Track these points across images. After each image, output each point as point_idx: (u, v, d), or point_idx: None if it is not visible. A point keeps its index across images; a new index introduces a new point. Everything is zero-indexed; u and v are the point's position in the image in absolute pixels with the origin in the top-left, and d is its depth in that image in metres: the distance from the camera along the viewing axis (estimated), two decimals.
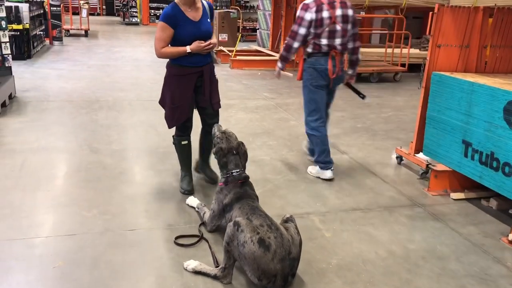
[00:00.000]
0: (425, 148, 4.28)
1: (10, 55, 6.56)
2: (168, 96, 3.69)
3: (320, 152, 4.25)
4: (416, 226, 3.46)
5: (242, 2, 18.23)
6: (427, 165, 4.28)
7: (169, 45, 3.56)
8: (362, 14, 10.91)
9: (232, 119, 6.19)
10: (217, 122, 3.84)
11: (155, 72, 9.38)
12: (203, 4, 3.60)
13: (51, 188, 3.80)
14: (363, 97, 4.99)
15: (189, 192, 3.80)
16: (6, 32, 6.43)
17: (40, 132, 5.23)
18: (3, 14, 6.33)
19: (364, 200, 3.86)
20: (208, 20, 3.61)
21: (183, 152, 3.96)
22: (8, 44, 6.49)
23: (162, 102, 3.84)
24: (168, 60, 3.69)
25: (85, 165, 4.32)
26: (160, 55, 3.59)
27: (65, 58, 10.66)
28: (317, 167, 4.30)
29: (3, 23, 6.34)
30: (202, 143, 4.10)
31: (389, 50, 10.04)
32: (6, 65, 6.53)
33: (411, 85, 9.24)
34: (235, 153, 3.14)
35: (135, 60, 10.86)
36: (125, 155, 4.64)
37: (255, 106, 6.98)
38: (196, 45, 3.48)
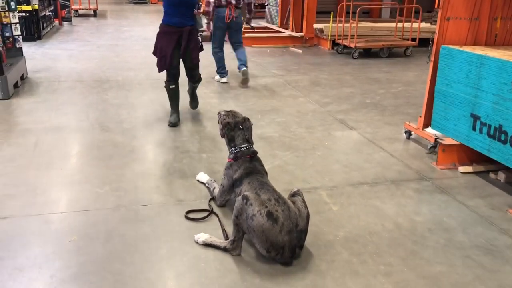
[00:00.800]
0: (434, 122, 4.28)
1: (21, 36, 6.60)
2: (157, 48, 4.85)
3: (218, 66, 6.93)
4: (423, 199, 3.50)
5: None
6: (435, 139, 4.29)
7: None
8: None
9: (241, 96, 6.21)
10: (197, 75, 5.24)
11: None
12: None
13: (64, 166, 3.89)
14: (252, 28, 7.77)
15: (174, 124, 4.93)
16: (16, 13, 6.47)
17: (52, 111, 5.31)
18: None
19: (371, 174, 3.89)
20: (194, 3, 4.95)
21: (171, 94, 5.08)
22: (18, 25, 6.54)
23: (154, 52, 4.94)
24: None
25: (97, 143, 4.41)
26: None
27: (74, 39, 10.70)
28: (217, 76, 6.94)
29: (13, 4, 6.37)
30: (189, 88, 5.46)
31: (400, 25, 9.90)
32: (17, 46, 6.59)
33: (421, 60, 9.14)
34: (241, 128, 3.19)
35: (144, 39, 10.85)
36: (136, 134, 4.71)
37: (264, 83, 6.98)
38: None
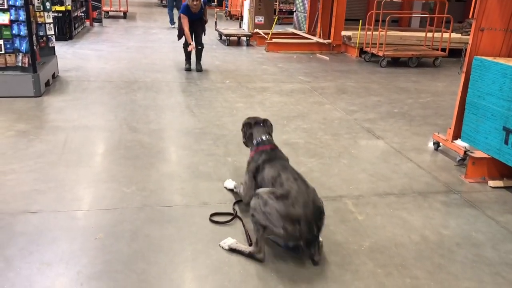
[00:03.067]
0: (464, 134, 4.19)
1: (54, 36, 6.76)
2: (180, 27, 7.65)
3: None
4: (451, 213, 3.42)
5: None
6: (465, 151, 4.20)
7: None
8: None
9: (267, 102, 6.21)
10: (201, 47, 7.93)
11: None
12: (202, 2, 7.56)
13: (92, 164, 3.96)
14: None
15: (188, 69, 7.86)
16: (50, 13, 6.63)
17: (81, 110, 5.41)
18: None
19: (398, 185, 3.83)
20: (202, 11, 7.62)
21: (187, 53, 7.88)
22: (52, 25, 6.69)
23: (179, 30, 7.73)
24: (181, 13, 7.57)
25: (124, 143, 4.46)
26: (185, 35, 7.65)
27: (104, 40, 10.90)
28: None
29: (48, 4, 6.53)
30: (196, 52, 7.95)
31: (429, 34, 9.77)
32: (50, 45, 6.75)
33: (451, 70, 9.00)
34: (261, 125, 3.29)
35: (172, 41, 10.98)
36: (163, 135, 4.75)
37: (290, 89, 6.97)
38: (191, 47, 7.72)
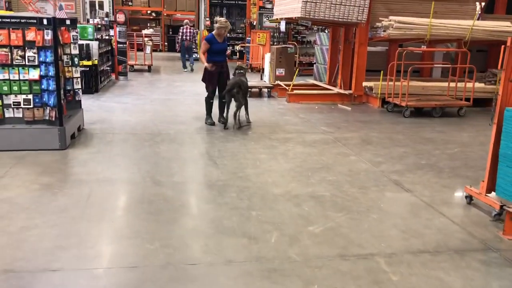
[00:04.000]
0: (499, 188, 4.01)
1: (80, 90, 6.92)
2: (206, 76, 7.60)
3: None
4: (492, 273, 3.21)
5: (299, 37, 18.47)
6: (501, 206, 4.01)
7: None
8: (423, 47, 10.69)
9: (290, 153, 6.14)
10: (224, 96, 7.54)
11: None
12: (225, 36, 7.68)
13: (115, 219, 3.89)
14: None
15: (212, 123, 7.65)
16: (78, 68, 6.82)
17: (105, 163, 5.42)
18: (77, 52, 6.73)
19: (432, 242, 3.64)
20: (226, 43, 7.81)
21: (209, 105, 7.75)
22: (79, 79, 6.87)
23: (203, 79, 7.67)
24: (204, 40, 7.60)
25: (148, 197, 4.41)
26: (200, 55, 8.11)
27: (129, 92, 11.15)
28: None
29: (76, 59, 6.73)
30: (219, 105, 7.83)
31: (452, 84, 9.70)
32: (77, 99, 6.89)
33: (477, 120, 8.85)
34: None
35: (195, 94, 11.16)
36: (186, 188, 4.69)
37: (313, 140, 6.91)
38: (209, 65, 7.40)
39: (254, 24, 19.29)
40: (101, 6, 21.56)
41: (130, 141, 6.53)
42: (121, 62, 13.72)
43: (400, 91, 9.10)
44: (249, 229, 3.73)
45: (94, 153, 5.83)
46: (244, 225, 3.83)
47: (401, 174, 5.35)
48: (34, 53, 5.69)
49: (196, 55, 18.83)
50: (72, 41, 6.61)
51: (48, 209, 4.03)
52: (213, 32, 7.56)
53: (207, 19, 22.81)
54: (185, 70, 16.54)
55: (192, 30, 16.77)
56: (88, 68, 10.41)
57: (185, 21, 17.40)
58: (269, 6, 17.95)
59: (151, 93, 11.25)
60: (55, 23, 5.65)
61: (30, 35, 5.63)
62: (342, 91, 10.69)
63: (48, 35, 5.64)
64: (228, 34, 24.89)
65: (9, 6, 17.07)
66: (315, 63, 14.65)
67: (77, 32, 6.77)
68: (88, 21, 16.85)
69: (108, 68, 12.65)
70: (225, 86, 7.53)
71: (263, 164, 5.58)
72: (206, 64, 7.37)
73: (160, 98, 10.49)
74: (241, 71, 7.95)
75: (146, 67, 16.43)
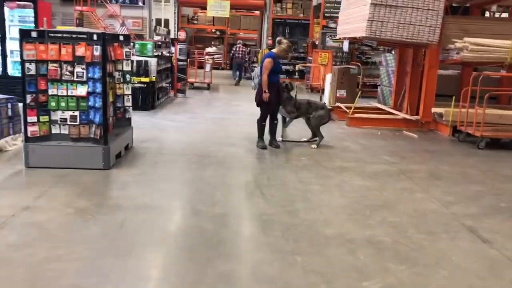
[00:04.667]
0: None
1: (131, 107, 6.72)
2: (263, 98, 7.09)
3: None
4: None
5: (363, 58, 17.77)
6: None
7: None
8: (503, 72, 9.70)
9: (346, 185, 5.53)
10: (276, 121, 7.46)
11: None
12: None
13: (144, 255, 3.49)
14: None
15: (264, 147, 7.16)
16: (130, 85, 6.64)
17: (147, 187, 5.09)
18: (129, 68, 6.55)
19: None
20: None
21: (261, 128, 7.27)
22: (130, 97, 6.67)
23: (259, 102, 7.21)
24: (267, 57, 7.07)
25: (184, 229, 3.99)
26: (263, 79, 6.98)
27: (185, 110, 10.99)
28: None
29: (128, 76, 6.55)
30: (270, 127, 7.37)
31: None
32: (127, 116, 6.70)
33: None
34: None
35: (250, 114, 10.76)
36: (227, 221, 4.23)
37: (374, 171, 6.25)
38: (266, 95, 6.99)
39: (317, 43, 18.83)
40: (166, 24, 22.07)
41: (177, 162, 6.21)
42: (180, 79, 13.70)
43: (475, 119, 8.20)
44: (291, 280, 3.19)
45: (137, 175, 5.54)
46: (286, 274, 3.29)
47: (476, 219, 4.58)
48: (83, 68, 5.53)
49: (254, 75, 18.70)
50: (124, 57, 6.44)
51: (76, 238, 3.71)
52: (274, 51, 7.16)
53: (270, 38, 22.69)
54: (235, 83, 18.18)
55: (243, 49, 18.66)
56: (145, 85, 10.36)
57: (239, 40, 19.69)
58: (333, 25, 17.42)
59: (206, 111, 11.03)
60: (104, 39, 5.46)
61: (80, 51, 5.48)
62: (408, 116, 9.90)
63: (97, 51, 5.46)
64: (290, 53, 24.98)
65: (79, 23, 17.79)
66: (379, 85, 13.89)
67: (130, 49, 6.61)
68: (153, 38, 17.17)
69: (167, 85, 12.64)
70: (276, 111, 7.39)
71: (314, 197, 5.02)
72: (266, 91, 6.93)
73: (215, 117, 10.22)
74: (284, 90, 7.54)
75: (206, 85, 16.39)
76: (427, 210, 4.77)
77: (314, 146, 7.50)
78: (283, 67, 18.96)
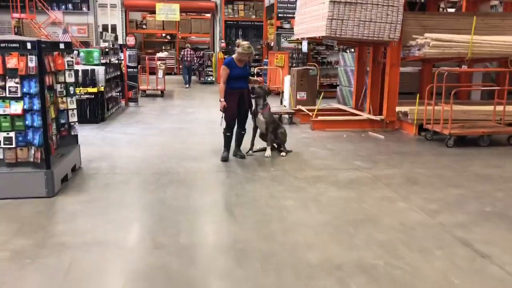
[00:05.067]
0: None
1: (77, 123, 5.99)
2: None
3: None
4: None
5: (319, 58, 17.52)
6: None
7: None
8: (465, 67, 9.60)
9: (323, 197, 5.07)
10: (244, 131, 6.85)
11: None
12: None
13: None
14: None
15: (225, 159, 6.59)
16: (74, 99, 5.90)
17: (98, 217, 4.42)
18: (72, 79, 5.83)
19: None
20: (247, 67, 6.77)
21: (227, 139, 6.70)
22: (75, 111, 5.94)
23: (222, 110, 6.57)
24: (223, 65, 6.56)
25: (143, 270, 3.37)
26: (220, 87, 6.58)
27: (138, 121, 10.24)
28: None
29: (71, 88, 5.82)
30: (236, 137, 6.81)
31: (497, 108, 8.55)
32: (72, 133, 5.96)
33: None
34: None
35: (209, 122, 10.20)
36: (195, 255, 3.64)
37: (348, 179, 5.83)
38: (222, 104, 6.48)
39: (272, 45, 18.45)
40: (114, 30, 21.05)
41: (132, 183, 5.54)
42: (131, 87, 12.90)
43: (442, 117, 7.99)
44: None
45: (87, 202, 4.84)
46: None
47: (466, 229, 4.22)
48: (17, 83, 4.78)
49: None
50: (66, 68, 5.71)
51: None
52: (233, 56, 6.59)
53: (223, 41, 22.14)
54: (186, 86, 18.63)
55: (192, 52, 19.44)
56: (93, 96, 9.56)
57: (187, 44, 20.51)
58: (287, 26, 17.10)
59: (161, 121, 10.33)
60: (40, 47, 4.74)
61: (12, 62, 4.72)
62: (372, 116, 9.61)
63: (33, 62, 4.73)
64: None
65: (18, 31, 16.55)
66: (337, 85, 13.64)
67: (72, 57, 5.87)
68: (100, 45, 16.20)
69: (117, 94, 11.83)
70: (246, 118, 6.79)
71: (291, 215, 4.52)
72: (222, 100, 6.46)
73: (171, 127, 9.55)
74: (256, 94, 6.85)
75: (159, 92, 15.62)
76: (414, 222, 4.37)
77: (283, 154, 7.03)
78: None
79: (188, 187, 5.42)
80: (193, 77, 22.90)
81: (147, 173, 5.98)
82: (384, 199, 5.07)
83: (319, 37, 9.20)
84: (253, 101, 6.85)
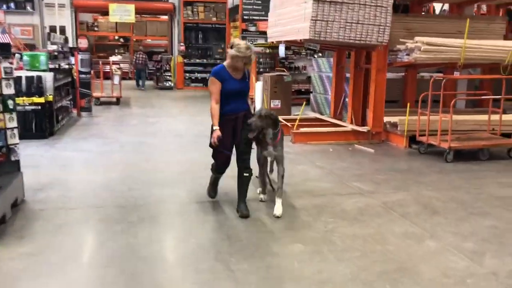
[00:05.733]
0: None
1: (18, 145, 4.74)
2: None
3: None
4: None
5: (286, 63, 16.66)
6: None
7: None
8: (457, 74, 8.97)
9: (336, 238, 4.10)
10: (249, 172, 4.59)
11: (204, 153, 7.46)
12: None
13: None
14: None
15: (213, 197, 4.97)
16: (14, 115, 4.67)
17: (45, 279, 3.24)
18: (11, 90, 4.59)
19: None
20: (247, 80, 4.56)
21: (214, 181, 4.94)
22: (16, 130, 4.71)
23: (210, 145, 4.53)
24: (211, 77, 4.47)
25: None
26: (210, 109, 4.43)
27: (93, 134, 8.93)
28: None
29: (10, 102, 4.58)
30: (239, 184, 4.62)
31: (488, 118, 7.94)
32: (12, 158, 4.72)
33: None
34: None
35: (176, 134, 9.06)
36: None
37: (356, 208, 4.90)
38: (216, 134, 4.35)
39: None
40: (62, 31, 19.36)
41: (92, 223, 4.36)
42: (84, 95, 11.49)
43: (440, 128, 7.25)
44: None
45: (30, 255, 3.63)
46: None
47: None
48: None
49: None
50: (3, 76, 4.48)
51: None
52: (225, 63, 4.51)
53: (182, 44, 20.93)
54: (139, 87, 19.23)
55: (144, 56, 19.48)
56: (39, 106, 8.17)
57: (140, 47, 21.09)
58: (253, 28, 16.14)
59: (120, 133, 9.08)
60: None
61: None
62: (357, 128, 8.78)
63: None
64: (204, 60, 23.20)
65: None
66: (311, 92, 12.81)
67: (11, 63, 4.63)
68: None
69: (68, 103, 10.44)
70: (245, 154, 4.56)
71: (306, 268, 3.51)
72: (216, 128, 4.37)
73: (133, 141, 8.32)
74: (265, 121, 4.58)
75: (115, 99, 14.23)
76: (459, 272, 3.47)
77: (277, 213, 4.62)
78: None
79: (163, 226, 4.31)
80: (150, 82, 21.59)
81: (110, 206, 4.80)
82: (408, 236, 4.16)
83: (300, 40, 8.28)
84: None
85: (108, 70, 16.22)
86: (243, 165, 4.55)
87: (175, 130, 9.53)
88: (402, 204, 5.05)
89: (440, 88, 7.43)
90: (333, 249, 3.86)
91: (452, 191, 5.58)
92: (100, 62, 15.30)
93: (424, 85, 9.41)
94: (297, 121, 8.74)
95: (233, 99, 4.47)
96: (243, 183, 4.59)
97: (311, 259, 3.66)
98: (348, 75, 9.82)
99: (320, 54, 15.09)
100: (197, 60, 20.87)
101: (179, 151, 7.58)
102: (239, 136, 4.50)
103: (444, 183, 5.96)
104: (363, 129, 8.68)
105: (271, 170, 5.58)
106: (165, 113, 12.38)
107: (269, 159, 5.08)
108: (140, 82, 19.41)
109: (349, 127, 8.90)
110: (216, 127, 4.36)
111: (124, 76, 20.84)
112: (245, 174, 4.55)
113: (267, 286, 3.23)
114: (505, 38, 9.30)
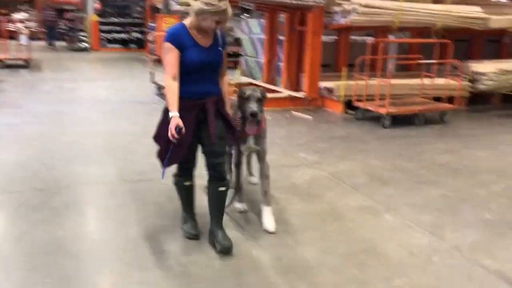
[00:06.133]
0: None
1: None
2: (160, 132, 3.10)
3: None
4: None
5: None
6: None
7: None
8: (394, 38, 8.88)
9: (291, 217, 3.77)
10: (224, 164, 3.22)
11: (131, 122, 6.80)
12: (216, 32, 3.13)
13: None
14: None
15: (194, 236, 3.31)
16: None
17: None
18: None
19: None
20: (220, 48, 3.13)
21: (184, 195, 3.37)
22: None
23: (156, 137, 3.18)
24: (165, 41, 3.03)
25: None
26: (165, 87, 3.04)
27: (1, 103, 7.83)
28: None
29: None
30: (211, 199, 3.25)
31: (415, 82, 7.99)
32: None
33: (467, 127, 7.26)
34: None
35: (97, 101, 8.22)
36: None
37: (305, 181, 4.61)
38: (174, 123, 2.90)
39: (160, 7, 16.30)
40: None
41: (5, 211, 3.66)
42: None
43: (377, 93, 7.15)
44: None
45: None
46: None
47: (492, 255, 3.25)
48: None
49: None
50: None
51: None
52: (186, 22, 3.05)
53: (96, 1, 19.28)
54: (51, 46, 18.52)
55: (54, 13, 19.32)
56: None
57: (47, 2, 20.28)
58: None
59: (33, 102, 8.06)
60: None
61: None
62: (294, 93, 8.48)
63: None
64: (122, 18, 21.59)
65: None
66: (241, 55, 12.28)
67: None
68: None
69: None
70: (219, 157, 3.14)
71: (263, 256, 3.15)
72: (173, 115, 2.92)
73: (47, 110, 7.40)
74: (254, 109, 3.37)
75: (23, 62, 12.75)
76: (424, 249, 3.29)
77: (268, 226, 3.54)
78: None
79: (93, 211, 3.72)
80: (63, 43, 19.76)
81: (25, 189, 4.09)
82: (365, 210, 3.94)
83: None
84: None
85: (13, 29, 14.46)
86: (218, 175, 3.14)
87: (95, 97, 8.64)
88: (349, 174, 4.84)
89: (370, 52, 7.33)
90: (290, 230, 3.53)
91: (395, 159, 5.47)
92: (2, 20, 13.55)
93: (356, 49, 9.31)
94: (234, 87, 8.23)
95: (199, 76, 3.04)
96: (218, 201, 3.20)
97: (267, 243, 3.30)
98: (281, 38, 9.42)
99: (248, 15, 14.52)
100: (115, 19, 19.41)
101: (101, 120, 6.82)
102: (212, 130, 3.04)
103: (386, 151, 5.85)
104: (300, 94, 8.40)
105: (250, 173, 4.45)
106: (82, 77, 11.29)
107: (244, 154, 3.79)
108: (50, 42, 18.69)
109: (286, 92, 8.58)
110: (175, 113, 2.90)
111: (32, 36, 18.90)
112: (220, 189, 3.15)
113: (228, 273, 2.83)
114: (435, 2, 9.34)
